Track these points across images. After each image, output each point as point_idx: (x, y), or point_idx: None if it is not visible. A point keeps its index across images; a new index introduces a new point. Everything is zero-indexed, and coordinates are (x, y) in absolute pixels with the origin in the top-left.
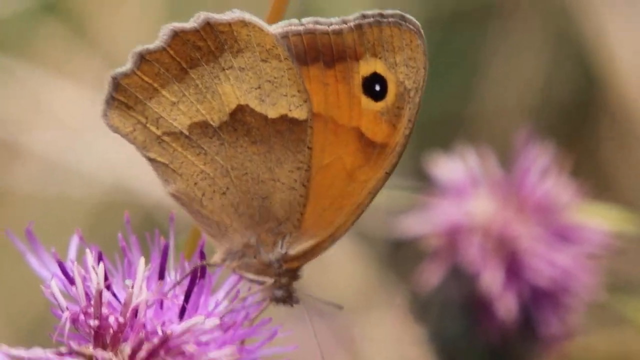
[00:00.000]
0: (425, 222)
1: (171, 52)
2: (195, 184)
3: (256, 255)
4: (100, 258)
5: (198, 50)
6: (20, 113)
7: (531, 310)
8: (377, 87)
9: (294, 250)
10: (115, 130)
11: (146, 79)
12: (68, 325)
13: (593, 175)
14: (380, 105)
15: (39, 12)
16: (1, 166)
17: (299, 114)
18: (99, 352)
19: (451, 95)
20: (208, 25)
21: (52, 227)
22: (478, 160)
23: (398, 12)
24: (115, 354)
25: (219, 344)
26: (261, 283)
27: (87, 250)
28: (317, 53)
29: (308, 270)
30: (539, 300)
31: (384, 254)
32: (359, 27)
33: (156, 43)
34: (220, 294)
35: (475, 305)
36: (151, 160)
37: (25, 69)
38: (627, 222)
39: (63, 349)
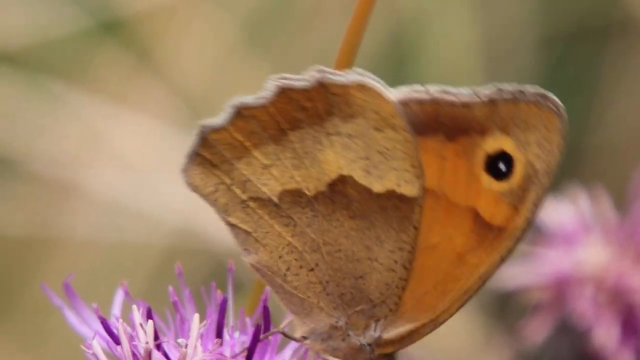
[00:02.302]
0: (531, 272)
1: (272, 109)
2: (280, 257)
3: (345, 338)
4: (149, 314)
5: (304, 111)
6: (76, 148)
7: None
8: (502, 167)
9: (388, 335)
10: (195, 189)
11: (238, 136)
12: None
13: None
14: (503, 185)
15: (97, 33)
16: (56, 208)
17: (409, 190)
18: None
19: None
20: (321, 86)
21: (111, 276)
22: (591, 202)
23: (540, 89)
24: None
25: None
26: None
27: (134, 307)
28: (439, 124)
29: None
30: None
31: (490, 307)
32: (492, 102)
33: (257, 97)
34: (287, 352)
35: None
36: (232, 225)
37: (82, 98)
38: None
39: None
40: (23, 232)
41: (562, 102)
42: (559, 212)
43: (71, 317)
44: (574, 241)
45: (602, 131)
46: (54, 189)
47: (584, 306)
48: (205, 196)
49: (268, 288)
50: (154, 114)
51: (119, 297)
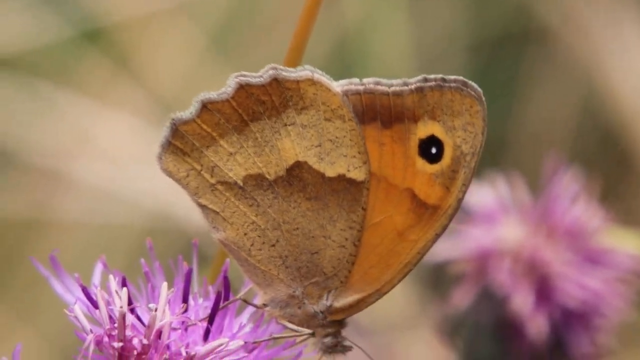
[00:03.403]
0: (458, 247)
1: (234, 103)
2: (245, 234)
3: (301, 306)
4: (124, 283)
5: (262, 104)
6: (64, 143)
7: (562, 331)
8: (434, 150)
9: (339, 303)
10: (169, 174)
11: (205, 127)
12: (92, 347)
13: (622, 201)
14: (435, 167)
15: (81, 41)
16: (48, 194)
17: (357, 174)
18: None
19: (488, 120)
20: (275, 81)
21: (97, 253)
22: (509, 187)
23: (461, 78)
24: None
25: None
26: (301, 334)
27: (110, 276)
28: (375, 113)
29: None
30: (569, 321)
31: (425, 277)
32: (420, 89)
33: (220, 93)
34: (244, 316)
35: (506, 327)
36: (202, 206)
37: (69, 98)
38: None
39: None
40: (20, 216)
41: (489, 100)
42: (482, 195)
43: (56, 285)
44: (494, 220)
45: (521, 126)
46: (46, 178)
47: (503, 277)
48: (178, 180)
49: (228, 260)
50: (132, 112)
51: (98, 269)
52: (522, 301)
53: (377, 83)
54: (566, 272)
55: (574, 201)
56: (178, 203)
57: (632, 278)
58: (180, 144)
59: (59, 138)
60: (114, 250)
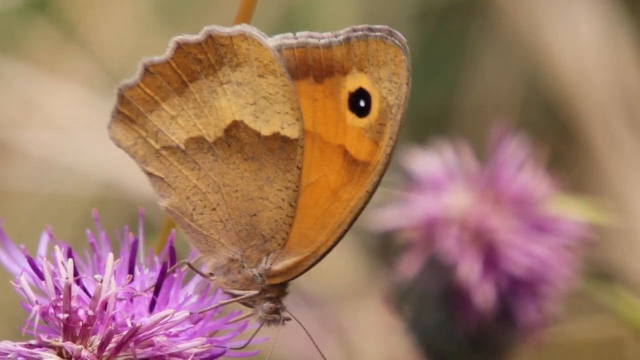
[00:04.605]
0: (404, 215)
1: (173, 64)
2: (188, 198)
3: (240, 270)
4: (70, 254)
5: (199, 63)
6: (12, 112)
7: (509, 299)
8: (362, 103)
9: (277, 267)
10: (118, 143)
11: (148, 91)
12: (37, 318)
13: (567, 169)
14: (364, 121)
15: (28, 11)
16: None
17: (291, 132)
18: (69, 345)
19: (434, 89)
20: (210, 37)
21: (45, 223)
22: (454, 154)
23: (386, 27)
24: (85, 346)
25: (188, 335)
26: (249, 300)
27: (56, 247)
28: (308, 68)
29: None
30: (516, 289)
31: (371, 246)
32: (347, 40)
33: (160, 56)
34: (190, 287)
35: (453, 295)
36: (149, 174)
37: (16, 69)
38: (600, 213)
39: (33, 342)
40: None
41: (435, 70)
42: (428, 163)
43: (2, 256)
44: (440, 188)
45: (467, 94)
46: None
47: (450, 244)
48: (126, 149)
49: (174, 231)
50: (80, 82)
51: (44, 240)
52: (469, 269)
53: (310, 36)
54: (513, 240)
55: (521, 169)
56: (126, 173)
57: (578, 245)
58: (127, 111)
59: (6, 108)
60: (61, 220)
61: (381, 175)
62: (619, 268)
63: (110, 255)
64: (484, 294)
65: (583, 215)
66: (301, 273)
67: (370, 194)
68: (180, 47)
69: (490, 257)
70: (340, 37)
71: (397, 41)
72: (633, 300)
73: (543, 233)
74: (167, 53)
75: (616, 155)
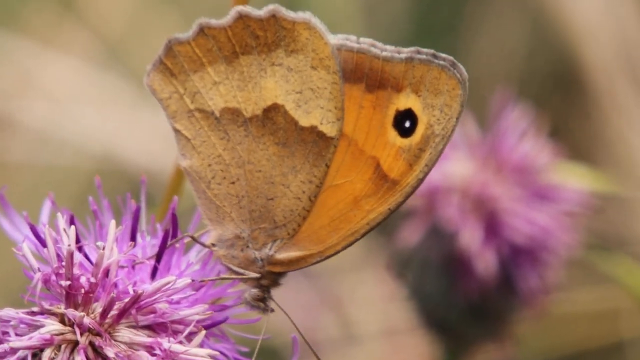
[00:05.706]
0: None
1: (230, 33)
2: (209, 165)
3: (243, 249)
4: (72, 221)
5: (255, 38)
6: (9, 85)
7: (510, 267)
8: (407, 124)
9: (280, 255)
10: (153, 91)
11: (197, 51)
12: (39, 285)
13: (570, 137)
14: (404, 142)
15: None
16: None
17: (329, 129)
18: (71, 312)
19: None
20: (273, 17)
21: (43, 194)
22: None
23: (451, 57)
24: (87, 313)
25: (190, 302)
26: (242, 277)
27: (59, 214)
28: (363, 75)
29: None
30: (517, 257)
31: None
32: (409, 60)
33: (219, 20)
34: (192, 254)
35: (455, 263)
36: (176, 131)
37: (13, 41)
38: (602, 182)
39: (35, 309)
40: None
41: (433, 41)
42: None
43: (5, 223)
44: (442, 156)
45: (469, 62)
46: None
47: (452, 213)
48: (160, 100)
49: (177, 198)
50: (77, 55)
51: (46, 207)
52: (470, 237)
53: (372, 45)
54: (514, 208)
55: (523, 137)
56: (123, 145)
57: (580, 213)
58: (171, 64)
59: (4, 80)
60: (60, 191)
61: (407, 198)
62: (621, 236)
63: (113, 223)
64: (485, 262)
65: (585, 183)
66: (301, 268)
67: (392, 211)
68: (241, 18)
69: (492, 225)
70: (403, 55)
71: (458, 74)
72: (635, 268)
73: (545, 201)
74: (226, 19)
75: (621, 122)
